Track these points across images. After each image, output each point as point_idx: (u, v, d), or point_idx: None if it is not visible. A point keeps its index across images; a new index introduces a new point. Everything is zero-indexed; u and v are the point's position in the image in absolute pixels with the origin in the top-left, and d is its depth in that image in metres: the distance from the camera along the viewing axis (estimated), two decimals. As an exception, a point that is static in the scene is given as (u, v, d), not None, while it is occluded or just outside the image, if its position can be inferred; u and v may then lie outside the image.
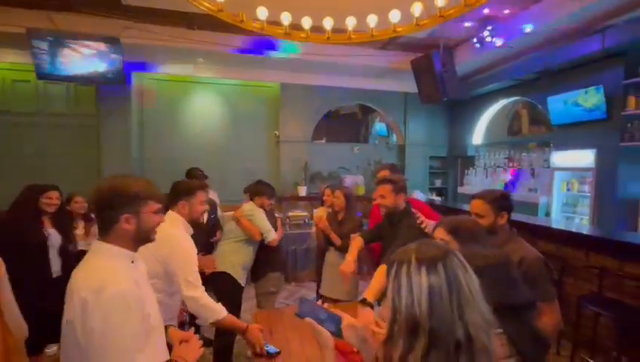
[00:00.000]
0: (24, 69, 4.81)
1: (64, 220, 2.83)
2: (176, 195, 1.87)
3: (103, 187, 1.12)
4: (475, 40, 4.44)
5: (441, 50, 4.90)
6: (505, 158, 6.09)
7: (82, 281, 1.04)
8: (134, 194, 1.11)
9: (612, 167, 4.10)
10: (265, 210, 2.88)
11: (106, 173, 5.29)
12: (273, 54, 4.88)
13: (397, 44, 5.03)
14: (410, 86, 5.68)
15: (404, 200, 2.10)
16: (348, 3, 2.94)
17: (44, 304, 2.64)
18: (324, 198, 3.45)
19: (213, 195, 3.46)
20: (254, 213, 2.81)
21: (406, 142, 6.80)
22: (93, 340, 0.98)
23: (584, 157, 4.41)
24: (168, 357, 1.21)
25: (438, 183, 7.12)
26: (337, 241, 2.72)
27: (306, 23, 2.63)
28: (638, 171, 4.08)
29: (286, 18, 2.55)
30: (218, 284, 2.58)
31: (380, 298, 1.72)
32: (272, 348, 1.72)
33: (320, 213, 3.58)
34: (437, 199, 6.14)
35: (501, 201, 1.65)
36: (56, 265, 2.74)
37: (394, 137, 7.43)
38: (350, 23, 2.63)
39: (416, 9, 2.43)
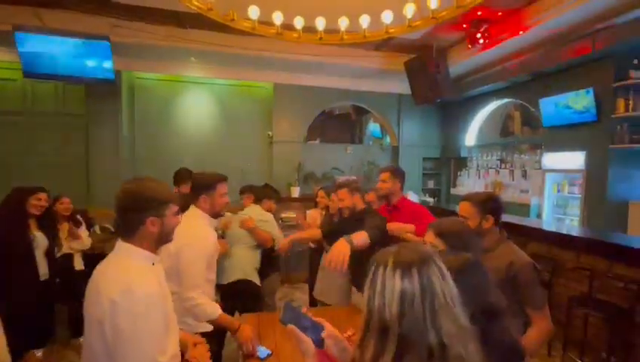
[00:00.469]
0: (10, 67, 4.70)
1: (50, 222, 2.79)
2: (196, 190, 1.85)
3: (130, 190, 1.16)
4: (467, 42, 4.46)
5: (434, 51, 4.92)
6: (497, 160, 6.13)
7: (111, 282, 1.08)
8: (160, 198, 1.17)
9: (602, 169, 4.15)
10: (272, 213, 2.92)
11: (95, 174, 5.20)
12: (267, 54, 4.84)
13: (390, 45, 5.03)
14: (403, 87, 5.69)
15: (361, 199, 2.35)
16: (340, 4, 2.92)
17: (32, 308, 2.59)
18: (317, 200, 3.43)
19: None
20: (267, 219, 2.83)
21: (399, 144, 6.81)
22: (122, 340, 1.03)
23: (574, 159, 4.45)
24: (180, 359, 1.24)
25: (431, 184, 7.14)
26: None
27: (298, 23, 2.61)
28: (628, 173, 4.13)
29: (278, 18, 2.53)
30: (245, 293, 2.59)
31: None
32: (263, 351, 1.70)
33: (313, 214, 3.56)
34: (430, 200, 6.16)
35: (487, 204, 1.63)
36: (43, 268, 2.68)
37: (388, 138, 7.44)
38: (343, 23, 2.62)
39: (409, 10, 2.43)
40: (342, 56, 5.07)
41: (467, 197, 1.70)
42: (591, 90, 4.12)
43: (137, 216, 1.14)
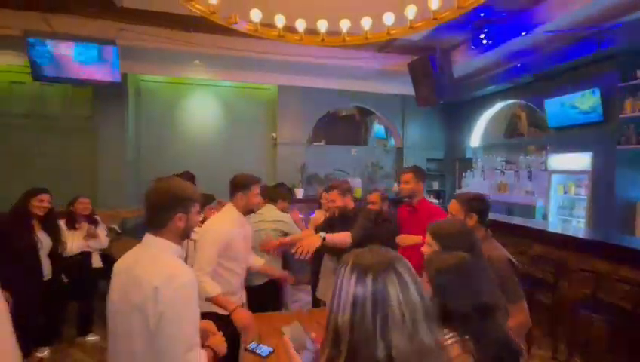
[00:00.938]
0: (20, 71, 4.80)
1: (53, 223, 2.83)
2: (233, 188, 2.09)
3: (161, 188, 1.29)
4: (471, 43, 4.44)
5: (437, 52, 4.90)
6: (502, 161, 6.08)
7: (152, 271, 1.17)
8: (187, 196, 1.28)
9: (609, 170, 4.10)
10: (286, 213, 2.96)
11: (102, 175, 5.27)
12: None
13: (394, 46, 5.03)
14: (407, 88, 5.68)
15: (352, 200, 2.48)
16: (342, 6, 2.93)
17: (36, 307, 2.65)
18: (321, 201, 3.44)
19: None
20: (285, 219, 2.82)
21: (404, 145, 6.79)
22: (165, 323, 1.12)
23: (581, 160, 4.40)
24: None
25: (436, 186, 7.11)
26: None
27: (300, 25, 2.63)
28: (635, 174, 4.08)
29: (280, 20, 2.55)
30: (272, 293, 2.64)
31: None
32: (265, 349, 1.72)
33: (318, 215, 3.57)
34: (435, 201, 6.13)
35: (472, 203, 1.73)
36: (46, 268, 2.73)
37: (392, 139, 7.43)
38: (344, 25, 2.64)
39: (410, 12, 2.43)
40: (345, 58, 5.08)
41: (457, 195, 1.87)
42: (597, 90, 4.08)
43: (167, 211, 1.23)
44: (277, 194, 3.03)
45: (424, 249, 1.35)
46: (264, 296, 2.54)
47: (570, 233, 3.36)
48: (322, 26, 2.63)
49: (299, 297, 4.61)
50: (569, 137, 4.58)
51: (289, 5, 2.73)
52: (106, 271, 3.19)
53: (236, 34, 2.54)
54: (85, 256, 3.17)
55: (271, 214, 2.81)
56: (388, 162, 6.97)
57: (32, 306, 2.50)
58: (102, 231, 3.34)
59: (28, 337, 2.12)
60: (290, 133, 6.13)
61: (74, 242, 3.07)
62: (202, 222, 2.63)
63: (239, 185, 2.08)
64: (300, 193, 5.91)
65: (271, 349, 1.72)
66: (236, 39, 4.45)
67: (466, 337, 0.96)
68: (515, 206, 5.49)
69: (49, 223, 2.76)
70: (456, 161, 6.97)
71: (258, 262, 2.38)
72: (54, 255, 2.82)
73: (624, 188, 4.04)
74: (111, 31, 4.28)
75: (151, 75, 5.57)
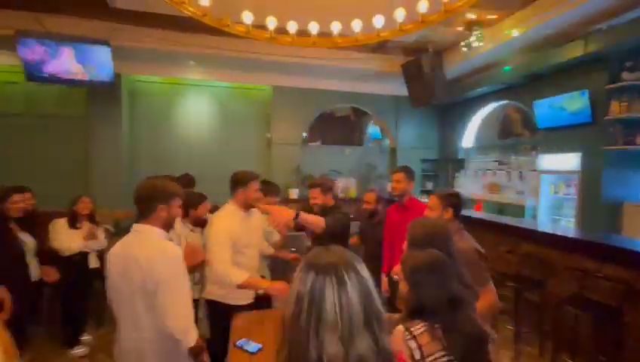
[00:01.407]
0: (13, 70, 4.79)
1: (33, 222, 2.76)
2: (234, 185, 2.21)
3: (146, 184, 1.54)
4: (462, 45, 4.51)
5: (430, 54, 4.97)
6: (494, 161, 6.16)
7: (145, 248, 1.41)
8: (169, 191, 1.52)
9: (597, 170, 4.17)
10: None
11: (95, 176, 5.27)
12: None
13: (387, 47, 5.09)
14: (401, 89, 5.74)
15: (332, 198, 2.62)
16: (332, 8, 2.97)
17: (23, 310, 2.60)
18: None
19: None
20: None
21: (397, 145, 6.85)
22: (163, 289, 1.37)
23: (569, 161, 4.48)
24: None
25: (429, 186, 7.17)
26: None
27: (292, 27, 2.67)
28: (622, 174, 4.15)
29: (272, 22, 2.59)
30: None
31: None
32: (254, 345, 1.75)
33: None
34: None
35: (449, 198, 1.94)
36: (34, 270, 2.69)
37: (387, 140, 7.49)
38: (335, 27, 2.68)
39: (399, 15, 2.48)
40: (340, 58, 5.12)
41: (435, 191, 2.13)
42: (585, 91, 4.15)
43: (151, 202, 1.47)
44: (266, 190, 3.05)
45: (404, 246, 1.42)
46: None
47: (558, 232, 3.41)
48: (313, 28, 2.68)
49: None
50: (558, 138, 4.65)
51: (280, 7, 2.76)
52: (102, 272, 3.20)
53: (230, 35, 2.57)
54: (83, 255, 3.15)
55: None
56: (382, 162, 7.02)
57: (22, 310, 2.47)
58: (101, 232, 3.33)
59: (23, 338, 2.11)
60: (285, 134, 6.16)
61: (74, 242, 3.04)
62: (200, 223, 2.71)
63: (239, 181, 2.20)
64: (294, 193, 5.94)
65: (259, 346, 1.75)
66: (230, 40, 4.45)
67: (436, 326, 1.02)
68: (507, 206, 5.56)
69: (29, 223, 2.67)
70: (449, 162, 7.04)
71: (270, 250, 2.62)
72: (50, 255, 2.79)
73: (611, 189, 4.12)
74: (104, 31, 4.29)
75: (145, 75, 5.57)
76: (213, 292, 2.19)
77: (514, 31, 4.06)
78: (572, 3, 3.41)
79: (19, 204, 2.56)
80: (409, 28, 2.52)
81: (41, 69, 4.32)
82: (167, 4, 2.25)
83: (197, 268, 2.33)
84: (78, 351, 3.03)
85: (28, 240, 2.65)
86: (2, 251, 2.39)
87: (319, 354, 0.64)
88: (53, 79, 4.49)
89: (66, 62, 4.37)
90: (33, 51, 4.20)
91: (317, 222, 2.22)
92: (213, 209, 3.32)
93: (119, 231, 4.80)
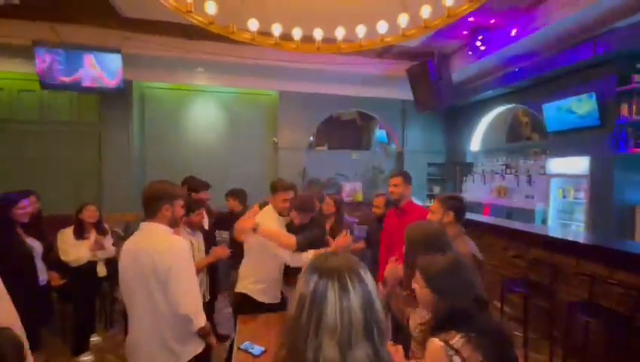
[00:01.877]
0: (29, 79, 4.94)
1: (40, 226, 2.80)
2: (272, 191, 2.40)
3: (153, 186, 1.69)
4: (468, 48, 4.50)
5: (435, 58, 4.96)
6: (502, 165, 6.09)
7: (154, 243, 1.56)
8: (171, 193, 1.68)
9: (606, 174, 4.10)
10: None
11: (107, 180, 5.39)
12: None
13: (393, 52, 5.10)
14: (407, 93, 5.74)
15: (310, 217, 2.54)
16: (337, 14, 3.01)
17: (32, 315, 2.63)
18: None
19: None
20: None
21: (404, 149, 6.83)
22: (172, 273, 1.52)
23: (579, 164, 4.41)
24: None
25: (436, 190, 7.11)
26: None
27: (297, 33, 2.71)
28: (634, 178, 4.07)
29: (277, 30, 2.63)
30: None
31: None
32: (258, 348, 1.76)
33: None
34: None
35: (450, 202, 1.96)
36: (42, 273, 2.72)
37: (393, 144, 7.47)
38: (339, 33, 2.71)
39: (403, 20, 2.50)
40: (345, 63, 5.16)
41: (438, 195, 2.19)
42: (593, 94, 4.09)
43: (156, 203, 1.62)
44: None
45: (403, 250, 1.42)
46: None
47: (568, 237, 3.35)
48: (318, 34, 2.72)
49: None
50: (567, 141, 4.59)
51: (285, 14, 2.81)
52: (109, 278, 3.24)
53: (236, 42, 2.62)
54: (92, 263, 3.12)
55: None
56: (388, 166, 7.01)
57: (29, 314, 2.49)
58: (109, 241, 3.27)
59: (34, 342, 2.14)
60: (291, 138, 6.21)
61: (82, 252, 3.01)
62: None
63: (270, 188, 2.40)
64: (300, 197, 5.96)
65: (263, 349, 1.77)
66: (237, 46, 4.55)
67: (472, 335, 1.00)
68: (515, 210, 5.49)
69: (35, 226, 2.70)
70: (456, 166, 6.98)
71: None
72: (59, 264, 2.82)
73: (622, 192, 4.04)
74: (115, 39, 4.41)
75: (154, 82, 5.69)
76: (248, 288, 2.28)
77: (522, 33, 4.03)
78: (580, 5, 3.38)
79: (26, 209, 2.58)
80: (412, 33, 2.54)
81: (56, 77, 4.45)
82: (175, 13, 2.31)
83: (200, 270, 2.37)
84: (85, 358, 3.04)
85: (35, 245, 2.67)
86: (14, 255, 2.42)
87: (316, 357, 0.65)
88: (67, 87, 4.62)
89: (79, 70, 4.50)
90: (48, 60, 4.34)
91: (278, 239, 2.18)
92: (218, 214, 3.41)
93: (129, 235, 4.90)
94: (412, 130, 6.83)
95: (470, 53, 4.50)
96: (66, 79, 4.51)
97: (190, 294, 1.58)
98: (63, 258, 2.98)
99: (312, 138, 6.74)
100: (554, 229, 4.39)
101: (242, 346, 1.78)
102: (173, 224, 1.69)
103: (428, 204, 6.27)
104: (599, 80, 4.14)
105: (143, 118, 5.81)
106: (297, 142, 6.25)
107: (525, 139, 6.19)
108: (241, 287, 2.31)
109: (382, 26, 2.57)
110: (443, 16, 2.33)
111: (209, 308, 2.64)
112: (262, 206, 2.47)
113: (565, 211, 4.86)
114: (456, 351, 0.98)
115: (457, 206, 1.95)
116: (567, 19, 3.60)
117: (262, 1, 3.20)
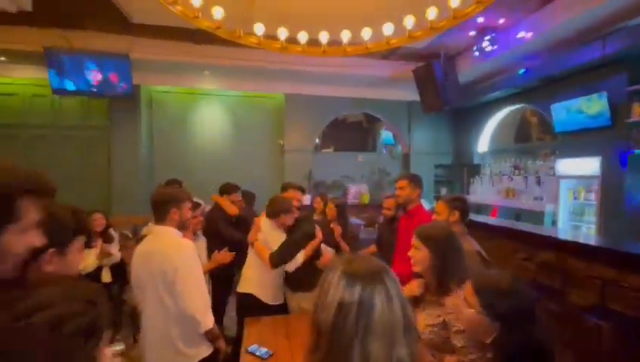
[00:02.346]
0: (41, 84, 5.05)
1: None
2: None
3: (161, 192, 1.82)
4: (475, 49, 4.47)
5: (442, 59, 4.94)
6: (511, 166, 6.02)
7: (164, 245, 1.64)
8: (179, 197, 1.75)
9: (618, 175, 4.02)
10: None
11: (116, 182, 5.46)
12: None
13: (399, 54, 5.09)
14: (413, 94, 5.72)
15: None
16: (342, 17, 3.02)
17: None
18: (314, 206, 3.47)
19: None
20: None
21: (410, 151, 6.80)
22: (178, 274, 1.58)
23: (589, 165, 4.34)
24: None
25: (443, 192, 7.05)
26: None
27: (303, 37, 2.73)
28: (646, 179, 3.99)
29: (283, 33, 2.65)
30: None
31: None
32: (264, 351, 1.77)
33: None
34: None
35: (455, 202, 2.03)
36: None
37: (399, 146, 7.45)
38: (345, 36, 2.72)
39: (409, 22, 2.50)
40: (351, 65, 5.17)
41: (443, 196, 2.12)
42: (604, 94, 4.03)
43: (165, 207, 1.69)
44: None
45: (411, 253, 1.39)
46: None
47: (579, 239, 3.30)
48: (323, 37, 2.73)
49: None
50: (577, 142, 4.52)
51: (291, 18, 2.83)
52: (115, 283, 3.27)
53: (243, 45, 2.65)
54: (97, 269, 3.15)
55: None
56: (395, 168, 6.98)
57: None
58: (115, 247, 3.29)
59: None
60: (297, 141, 6.23)
61: (88, 260, 3.03)
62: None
63: (281, 190, 2.64)
64: (306, 200, 5.96)
65: (270, 352, 1.77)
66: (243, 50, 4.53)
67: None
68: (524, 212, 5.42)
69: None
70: (464, 167, 6.92)
71: None
72: None
73: (634, 194, 3.96)
74: (124, 45, 4.48)
75: (162, 86, 5.77)
76: (252, 287, 2.33)
77: (529, 33, 4.00)
78: (589, 3, 3.34)
79: None
80: (418, 35, 2.54)
81: (67, 82, 4.55)
82: (182, 18, 2.35)
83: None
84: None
85: None
86: None
87: (363, 355, 0.68)
88: (78, 92, 4.71)
89: (89, 76, 4.59)
90: (59, 66, 4.43)
91: (262, 256, 2.29)
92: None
93: (137, 237, 4.95)
94: (418, 131, 6.80)
95: (477, 53, 4.47)
96: (77, 84, 4.60)
97: (197, 295, 1.61)
98: None
99: (317, 140, 6.74)
100: (564, 231, 4.32)
101: (249, 349, 1.79)
102: (182, 227, 1.76)
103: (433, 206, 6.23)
104: (609, 80, 4.07)
105: (150, 121, 5.89)
106: (303, 144, 6.27)
107: (533, 140, 6.11)
108: (245, 287, 2.34)
109: (388, 28, 2.57)
110: (449, 18, 2.33)
111: (219, 311, 2.67)
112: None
113: (576, 213, 4.78)
114: None
115: (462, 206, 2.02)
116: (576, 18, 3.55)
117: (268, 6, 3.23)
